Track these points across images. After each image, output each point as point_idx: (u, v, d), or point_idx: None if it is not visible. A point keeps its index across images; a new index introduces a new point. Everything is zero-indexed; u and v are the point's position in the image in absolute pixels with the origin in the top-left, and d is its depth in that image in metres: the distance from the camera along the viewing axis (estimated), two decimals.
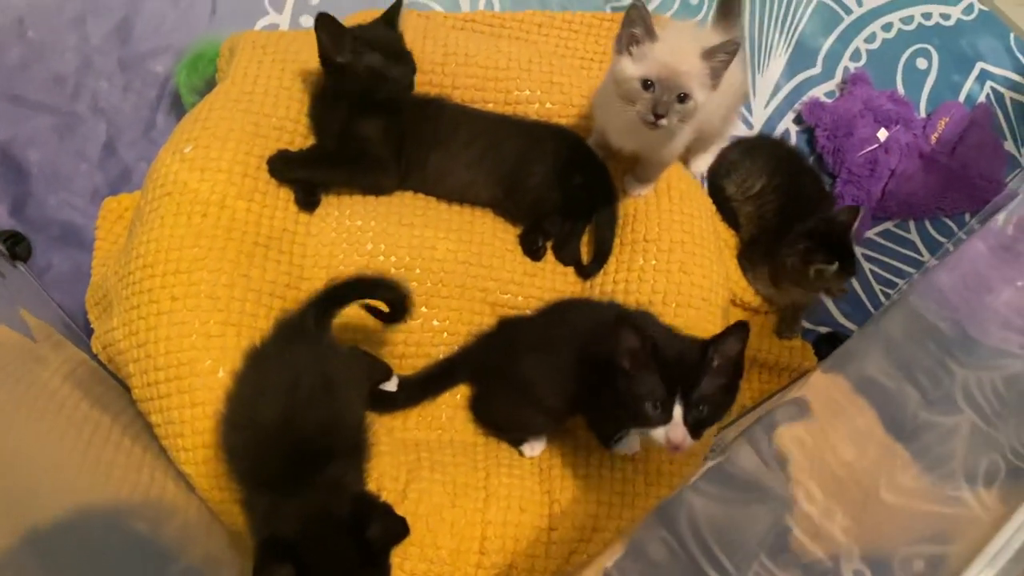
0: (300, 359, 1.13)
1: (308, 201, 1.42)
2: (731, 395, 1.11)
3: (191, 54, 1.65)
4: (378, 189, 1.50)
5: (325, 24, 1.34)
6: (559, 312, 1.39)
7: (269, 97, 1.45)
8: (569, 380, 1.25)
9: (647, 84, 1.20)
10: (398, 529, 0.98)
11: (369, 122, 1.43)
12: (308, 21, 1.80)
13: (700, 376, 1.07)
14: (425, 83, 1.56)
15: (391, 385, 1.35)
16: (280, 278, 1.36)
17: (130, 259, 1.31)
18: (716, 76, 1.22)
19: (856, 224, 1.54)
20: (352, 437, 1.15)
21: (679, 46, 1.20)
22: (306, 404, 1.08)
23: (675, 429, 1.06)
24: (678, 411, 1.06)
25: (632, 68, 1.21)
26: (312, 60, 1.47)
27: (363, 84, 1.38)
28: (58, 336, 1.37)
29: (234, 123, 1.40)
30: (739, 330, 1.07)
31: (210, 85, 1.59)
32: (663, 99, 1.19)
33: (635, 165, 1.53)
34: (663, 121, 1.21)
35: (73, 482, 1.05)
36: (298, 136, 1.46)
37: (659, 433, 1.08)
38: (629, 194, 1.55)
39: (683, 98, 1.21)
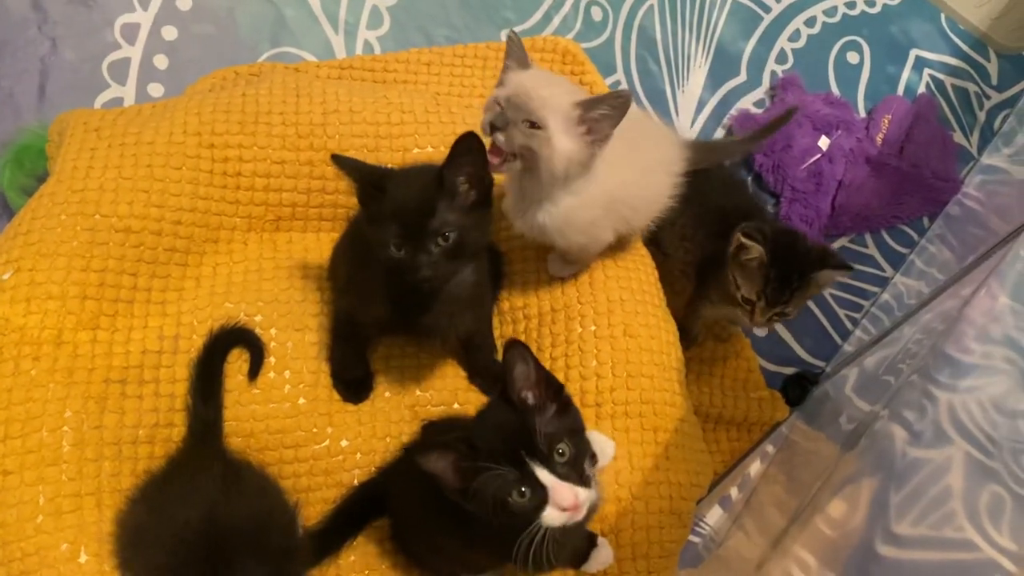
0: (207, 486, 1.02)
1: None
2: (578, 435, 0.87)
3: (14, 148, 1.38)
4: None
5: None
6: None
7: (106, 193, 1.20)
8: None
9: None
10: None
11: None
12: (157, 91, 1.54)
13: (534, 422, 0.83)
14: (307, 147, 1.31)
15: None
16: (144, 418, 1.14)
17: None
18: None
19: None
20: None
21: None
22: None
23: (559, 493, 0.80)
24: (544, 474, 0.81)
25: None
26: (159, 139, 1.23)
27: None
28: None
29: (64, 233, 1.15)
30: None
31: (43, 183, 1.30)
32: None
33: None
34: None
35: None
36: (148, 234, 1.20)
37: (553, 515, 0.81)
38: (555, 275, 1.33)
39: None
